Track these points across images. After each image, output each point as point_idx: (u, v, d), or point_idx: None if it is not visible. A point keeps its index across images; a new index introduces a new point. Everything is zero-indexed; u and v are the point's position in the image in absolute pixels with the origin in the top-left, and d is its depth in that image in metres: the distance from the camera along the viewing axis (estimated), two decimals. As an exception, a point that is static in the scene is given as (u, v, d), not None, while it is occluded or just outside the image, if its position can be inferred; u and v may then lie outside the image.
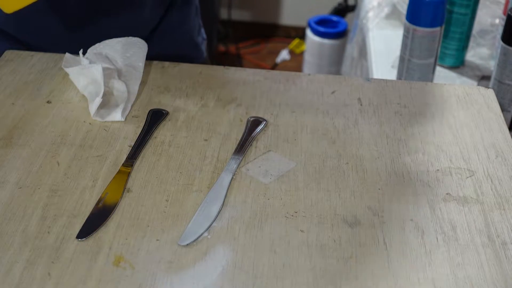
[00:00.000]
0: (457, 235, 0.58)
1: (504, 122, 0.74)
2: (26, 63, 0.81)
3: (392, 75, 1.19)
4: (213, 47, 2.41)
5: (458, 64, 1.20)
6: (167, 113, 0.73)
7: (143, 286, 0.52)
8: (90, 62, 0.75)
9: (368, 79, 0.82)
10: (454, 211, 0.61)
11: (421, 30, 0.98)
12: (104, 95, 0.72)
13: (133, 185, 0.62)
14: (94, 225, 0.57)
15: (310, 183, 0.63)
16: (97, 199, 0.60)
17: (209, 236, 0.57)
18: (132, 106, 0.74)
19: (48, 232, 0.57)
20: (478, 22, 1.21)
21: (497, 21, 1.24)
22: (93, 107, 0.71)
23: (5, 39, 0.88)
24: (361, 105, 0.76)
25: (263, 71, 0.81)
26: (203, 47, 1.06)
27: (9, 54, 0.83)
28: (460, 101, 0.78)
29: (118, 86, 0.74)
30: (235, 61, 2.59)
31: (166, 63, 0.82)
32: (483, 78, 1.17)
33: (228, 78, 0.80)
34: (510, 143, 0.70)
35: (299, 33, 2.71)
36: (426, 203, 0.61)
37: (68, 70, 0.75)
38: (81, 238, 0.56)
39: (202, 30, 1.07)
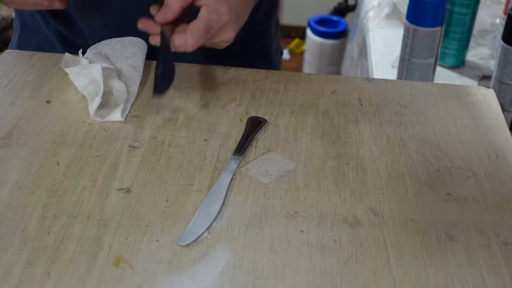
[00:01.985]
0: (457, 235, 0.58)
1: (505, 122, 0.74)
2: (26, 63, 0.81)
3: (392, 75, 1.19)
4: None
5: (459, 64, 1.20)
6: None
7: (143, 286, 0.52)
8: (90, 62, 0.75)
9: (368, 79, 0.82)
10: (455, 211, 0.61)
11: (421, 30, 0.98)
12: (104, 95, 0.71)
13: (133, 185, 0.62)
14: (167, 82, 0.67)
15: (310, 183, 0.63)
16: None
17: (209, 236, 0.57)
18: (132, 106, 0.74)
19: (48, 232, 0.57)
20: (479, 22, 1.21)
21: (497, 20, 1.24)
22: (93, 107, 0.71)
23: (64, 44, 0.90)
24: (361, 105, 0.76)
25: (263, 71, 0.81)
26: (280, 65, 1.04)
27: (8, 54, 0.83)
28: (461, 101, 0.78)
29: (118, 86, 0.74)
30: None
31: (166, 63, 0.82)
32: (484, 78, 1.17)
33: (228, 78, 0.80)
34: (510, 143, 0.70)
35: (299, 33, 2.71)
36: (426, 203, 0.61)
37: (67, 70, 0.75)
38: (158, 93, 0.68)
39: (280, 48, 1.04)
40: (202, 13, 0.69)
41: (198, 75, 0.80)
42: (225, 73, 0.81)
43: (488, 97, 0.79)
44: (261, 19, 0.96)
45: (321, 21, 2.38)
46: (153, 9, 0.72)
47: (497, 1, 1.29)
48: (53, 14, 0.88)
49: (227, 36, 0.71)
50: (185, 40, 0.68)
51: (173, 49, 0.69)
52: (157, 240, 0.56)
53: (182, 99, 0.76)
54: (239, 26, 0.72)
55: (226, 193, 0.61)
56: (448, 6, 1.11)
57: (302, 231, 0.57)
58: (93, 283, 0.52)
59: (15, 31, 0.95)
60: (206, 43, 0.72)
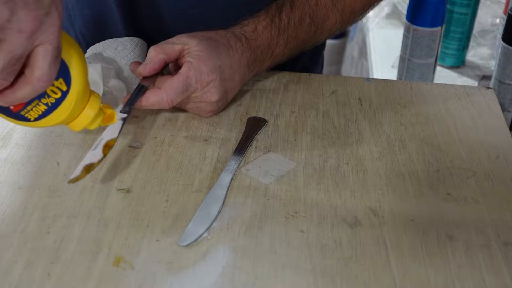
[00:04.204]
0: (457, 235, 0.58)
1: (505, 122, 0.74)
2: (25, 63, 0.81)
3: (392, 75, 1.19)
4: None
5: (459, 64, 1.20)
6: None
7: (143, 286, 0.52)
8: (90, 62, 0.74)
9: (368, 79, 0.82)
10: (455, 211, 0.61)
11: (421, 29, 0.98)
12: (104, 95, 0.71)
13: (133, 185, 0.62)
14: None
15: (310, 183, 0.63)
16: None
17: (209, 237, 0.57)
18: (132, 106, 0.74)
19: (48, 233, 0.57)
20: (479, 22, 1.21)
21: (497, 20, 1.24)
22: (93, 107, 0.71)
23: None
24: (361, 105, 0.76)
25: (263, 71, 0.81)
26: (321, 60, 1.01)
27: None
28: (461, 101, 0.78)
29: (118, 86, 0.74)
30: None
31: (166, 63, 0.82)
32: (484, 78, 1.17)
33: (228, 78, 0.80)
34: (510, 143, 0.70)
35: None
36: (426, 203, 0.61)
37: (67, 70, 0.74)
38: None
39: (325, 42, 1.00)
40: (183, 69, 0.68)
41: (198, 75, 0.80)
42: (225, 73, 0.80)
43: (488, 97, 0.79)
44: (307, 61, 0.95)
45: (321, 21, 2.37)
46: (133, 65, 0.72)
47: (497, 1, 1.29)
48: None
49: (208, 97, 0.69)
50: (161, 97, 0.66)
51: (147, 107, 0.67)
52: (157, 240, 0.56)
53: (182, 99, 0.75)
54: (224, 90, 0.70)
55: (226, 193, 0.61)
56: (448, 6, 1.11)
57: (302, 231, 0.57)
58: (93, 283, 0.52)
59: None
60: (188, 105, 0.71)
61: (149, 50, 0.70)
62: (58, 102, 0.56)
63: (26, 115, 0.56)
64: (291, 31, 0.75)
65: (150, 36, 0.81)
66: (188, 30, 0.72)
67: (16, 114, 0.56)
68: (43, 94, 0.55)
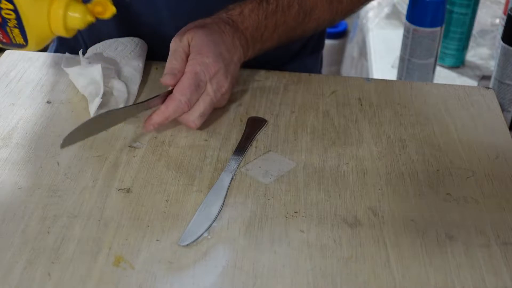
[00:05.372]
0: (457, 235, 0.58)
1: (504, 122, 0.74)
2: (26, 63, 0.81)
3: (392, 75, 1.19)
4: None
5: (458, 64, 1.20)
6: None
7: (143, 286, 0.52)
8: (90, 62, 0.75)
9: (368, 79, 0.82)
10: (455, 211, 0.61)
11: (421, 30, 0.98)
12: (104, 95, 0.71)
13: (133, 185, 0.62)
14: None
15: (310, 183, 0.63)
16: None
17: (209, 237, 0.57)
18: (132, 106, 0.74)
19: (48, 232, 0.57)
20: (478, 22, 1.21)
21: (497, 21, 1.24)
22: (93, 107, 0.71)
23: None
24: (361, 105, 0.76)
25: (263, 71, 0.81)
26: (320, 59, 1.01)
27: (8, 54, 0.83)
28: (460, 101, 0.78)
29: (118, 86, 0.74)
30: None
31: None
32: (483, 78, 1.17)
33: (228, 78, 0.80)
34: (510, 143, 0.70)
35: (299, 33, 2.69)
36: (426, 203, 0.61)
37: (67, 70, 0.75)
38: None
39: (324, 41, 1.01)
40: (187, 68, 0.67)
41: (198, 75, 0.80)
42: (225, 73, 0.81)
43: (487, 97, 0.79)
44: (307, 61, 0.95)
45: (321, 21, 2.36)
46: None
47: (497, 1, 1.29)
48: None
49: (220, 86, 0.69)
50: (178, 100, 0.65)
51: (171, 117, 0.66)
52: (157, 240, 0.56)
53: (182, 99, 0.75)
54: (231, 74, 0.70)
55: (226, 193, 0.61)
56: (448, 6, 1.11)
57: (302, 231, 0.58)
58: (93, 283, 0.52)
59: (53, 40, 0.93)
60: (208, 103, 0.69)
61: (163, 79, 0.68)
62: (19, 19, 0.58)
63: (18, 42, 0.59)
64: (279, 16, 0.76)
65: (147, 39, 0.81)
66: None
67: (13, 44, 0.59)
68: (5, 21, 0.57)
